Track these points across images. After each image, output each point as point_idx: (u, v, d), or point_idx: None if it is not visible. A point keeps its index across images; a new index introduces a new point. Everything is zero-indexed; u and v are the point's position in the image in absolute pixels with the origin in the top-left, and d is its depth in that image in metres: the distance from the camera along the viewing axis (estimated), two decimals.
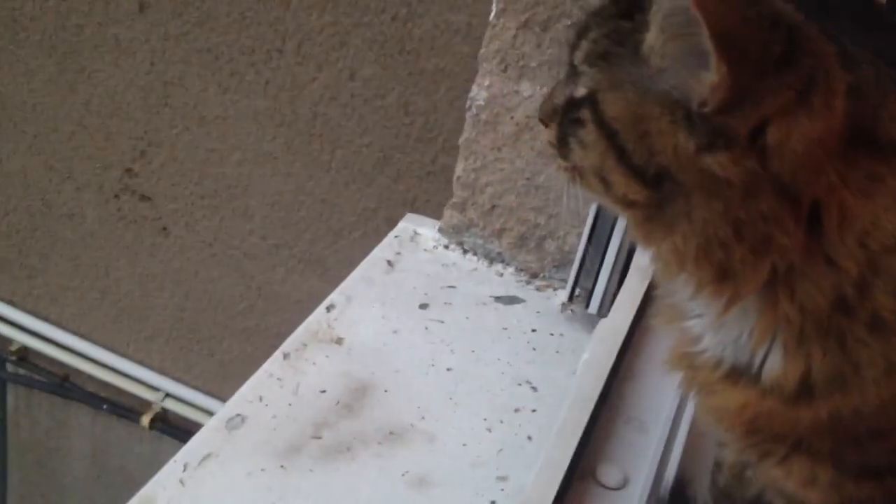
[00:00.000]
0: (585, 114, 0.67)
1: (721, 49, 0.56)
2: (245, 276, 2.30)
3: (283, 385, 1.16)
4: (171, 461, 1.05)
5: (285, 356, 1.19)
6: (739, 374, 0.72)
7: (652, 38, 0.61)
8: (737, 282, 0.65)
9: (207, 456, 1.05)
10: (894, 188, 0.61)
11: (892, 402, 0.65)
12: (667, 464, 0.97)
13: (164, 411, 2.49)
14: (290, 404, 1.13)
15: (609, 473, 0.95)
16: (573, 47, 0.71)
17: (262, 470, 1.04)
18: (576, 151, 0.69)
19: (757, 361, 0.70)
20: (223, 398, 2.41)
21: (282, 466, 1.05)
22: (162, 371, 2.49)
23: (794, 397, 0.68)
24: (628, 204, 0.68)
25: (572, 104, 0.69)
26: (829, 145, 0.59)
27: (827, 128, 0.59)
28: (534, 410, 1.16)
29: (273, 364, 1.18)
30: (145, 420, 2.47)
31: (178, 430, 2.48)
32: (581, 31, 0.70)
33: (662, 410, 1.04)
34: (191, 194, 2.26)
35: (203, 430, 1.10)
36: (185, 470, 1.03)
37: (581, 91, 0.68)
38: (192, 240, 2.31)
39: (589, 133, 0.67)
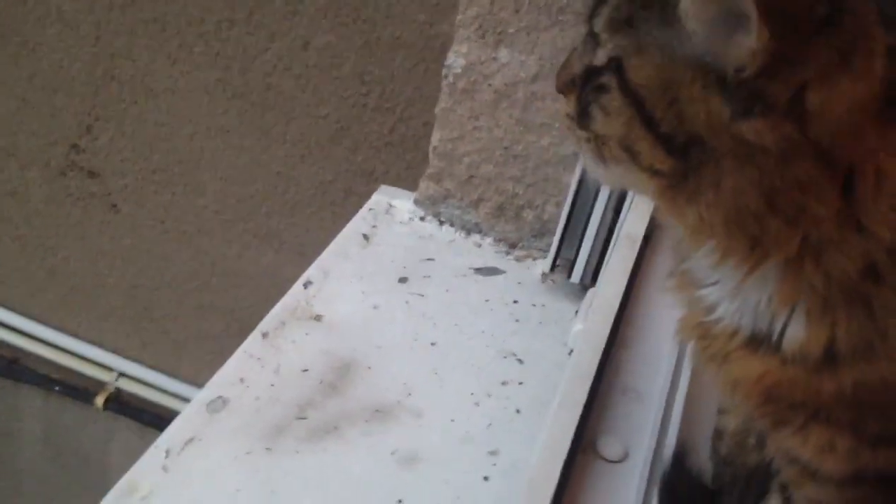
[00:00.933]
0: (610, 80, 0.64)
1: (764, 12, 0.53)
2: (199, 253, 2.25)
3: (264, 365, 1.12)
4: (153, 447, 1.01)
5: (264, 335, 1.16)
6: (759, 343, 0.70)
7: (686, 1, 0.59)
8: (765, 250, 0.63)
9: (190, 440, 1.01)
10: None
11: None
12: (666, 434, 0.96)
13: (119, 391, 2.43)
14: (272, 385, 1.10)
15: (610, 446, 0.93)
16: (592, 13, 0.67)
17: (248, 453, 1.01)
18: (598, 120, 0.67)
19: (777, 329, 0.68)
20: (179, 376, 2.38)
21: (267, 449, 1.02)
22: (115, 350, 2.43)
23: (818, 365, 0.66)
24: (653, 173, 0.65)
25: (593, 72, 0.66)
26: (870, 108, 0.57)
27: (868, 89, 0.57)
28: (521, 383, 1.14)
29: (252, 344, 1.14)
30: (99, 401, 2.42)
31: (133, 409, 2.43)
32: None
33: (658, 380, 1.02)
34: (140, 170, 2.20)
35: (183, 413, 1.06)
36: (167, 456, 0.99)
37: (603, 58, 0.65)
38: (143, 216, 2.25)
39: (613, 100, 0.64)
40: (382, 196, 1.43)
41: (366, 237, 1.35)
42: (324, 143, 2.01)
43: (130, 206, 2.25)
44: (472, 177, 1.32)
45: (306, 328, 1.18)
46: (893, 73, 0.58)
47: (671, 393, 1.00)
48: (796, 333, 0.66)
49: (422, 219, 1.39)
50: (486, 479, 1.02)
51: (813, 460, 0.73)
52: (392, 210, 1.41)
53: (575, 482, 0.90)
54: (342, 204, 2.07)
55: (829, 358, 0.65)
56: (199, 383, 2.42)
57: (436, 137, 1.32)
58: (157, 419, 2.35)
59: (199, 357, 2.37)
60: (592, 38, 0.67)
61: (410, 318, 1.22)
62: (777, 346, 0.68)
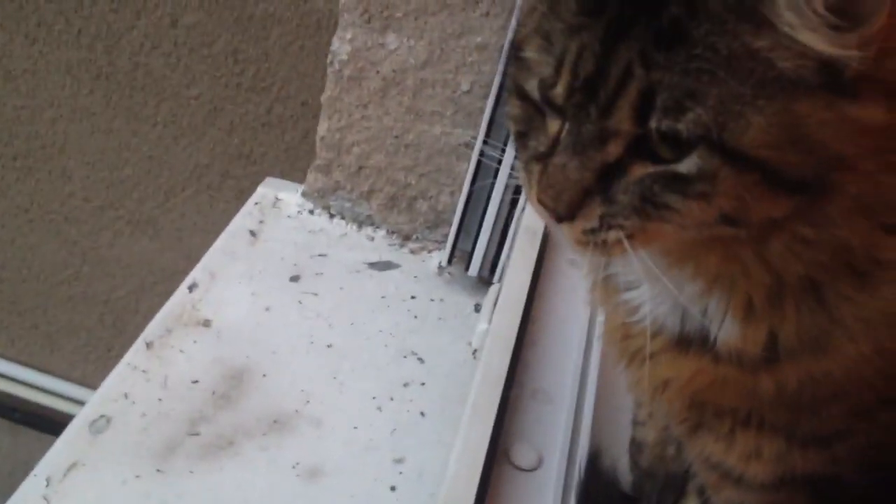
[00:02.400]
0: (706, 161, 0.54)
1: None
2: (67, 242, 2.14)
3: (150, 378, 1.05)
4: (31, 475, 0.94)
5: (148, 345, 1.08)
6: (689, 343, 0.67)
7: (803, 26, 0.52)
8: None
9: (73, 465, 0.95)
10: None
11: (865, 359, 0.62)
12: (578, 436, 0.93)
13: None
14: (159, 399, 1.03)
15: (524, 454, 0.91)
16: (585, 107, 0.57)
17: (137, 476, 0.95)
18: (690, 212, 0.57)
19: (712, 328, 0.65)
20: (52, 372, 2.27)
21: (158, 470, 0.96)
22: None
23: (755, 364, 0.64)
24: (761, 225, 0.58)
25: (616, 168, 0.58)
26: None
27: None
28: (423, 384, 1.11)
29: (135, 355, 1.07)
30: None
31: (3, 407, 2.31)
32: (593, 89, 0.57)
33: (567, 380, 1.00)
34: (0, 156, 2.07)
35: (64, 435, 0.98)
36: (48, 485, 0.92)
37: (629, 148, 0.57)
38: (6, 205, 2.12)
39: (721, 182, 0.55)
40: (268, 189, 1.36)
41: (253, 233, 1.28)
42: (197, 124, 1.92)
43: None
44: (361, 167, 1.27)
45: (194, 335, 1.11)
46: None
47: (581, 393, 0.98)
48: (732, 333, 0.64)
49: (311, 212, 1.33)
50: (392, 489, 0.98)
51: (737, 466, 0.72)
52: (279, 203, 1.35)
53: (492, 494, 0.87)
54: (219, 188, 1.99)
55: (770, 355, 0.63)
56: (73, 378, 2.32)
57: (322, 127, 1.26)
58: (30, 417, 2.24)
59: (73, 351, 2.26)
60: (599, 136, 0.57)
61: (305, 319, 1.16)
62: (710, 346, 0.66)
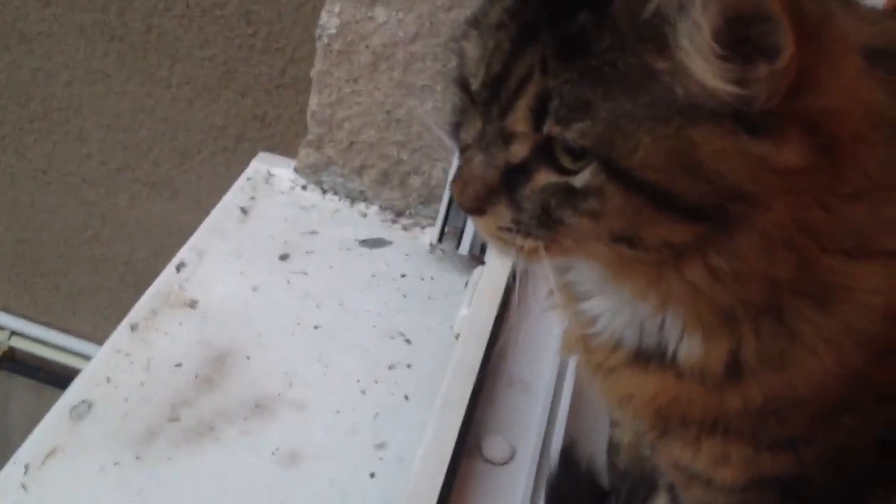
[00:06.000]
0: (594, 179, 0.53)
1: (791, 27, 0.47)
2: (86, 204, 2.14)
3: (133, 361, 1.05)
4: (10, 462, 0.94)
5: (133, 328, 1.08)
6: (648, 358, 0.66)
7: (695, 54, 0.50)
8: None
9: (52, 452, 0.95)
10: None
11: (829, 373, 0.60)
12: (553, 429, 0.92)
13: (12, 350, 2.34)
14: (142, 383, 1.03)
15: (496, 447, 0.89)
16: (488, 106, 0.57)
17: (116, 463, 0.95)
18: (579, 226, 0.56)
19: (670, 344, 0.64)
20: (74, 332, 2.29)
21: (137, 457, 0.96)
22: (5, 308, 2.33)
23: (720, 380, 0.62)
24: (658, 249, 0.56)
25: (520, 169, 0.57)
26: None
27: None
28: (409, 366, 1.10)
29: (120, 338, 1.07)
30: None
31: (28, 367, 2.34)
32: (496, 88, 0.56)
33: (546, 369, 0.98)
34: (18, 119, 2.07)
35: (44, 421, 0.99)
36: (26, 472, 0.93)
37: (532, 151, 0.56)
38: (24, 167, 2.13)
39: (609, 199, 0.53)
40: (261, 164, 1.35)
41: (244, 210, 1.27)
42: (211, 86, 1.91)
43: (9, 157, 2.12)
44: (353, 143, 1.25)
45: (180, 316, 1.11)
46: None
47: (559, 382, 0.96)
48: (693, 350, 0.62)
49: (303, 188, 1.31)
50: (372, 475, 0.98)
51: (706, 471, 0.70)
52: (272, 179, 1.33)
53: (459, 489, 0.87)
54: (234, 150, 1.98)
55: (733, 372, 0.61)
56: (95, 339, 2.34)
57: (313, 102, 1.24)
58: (53, 377, 2.27)
59: (95, 311, 2.28)
60: (501, 135, 0.57)
61: (292, 299, 1.15)
62: (671, 362, 0.64)
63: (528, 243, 0.58)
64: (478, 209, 0.59)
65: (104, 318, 2.34)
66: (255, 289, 1.16)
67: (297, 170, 1.31)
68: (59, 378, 2.29)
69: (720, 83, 0.49)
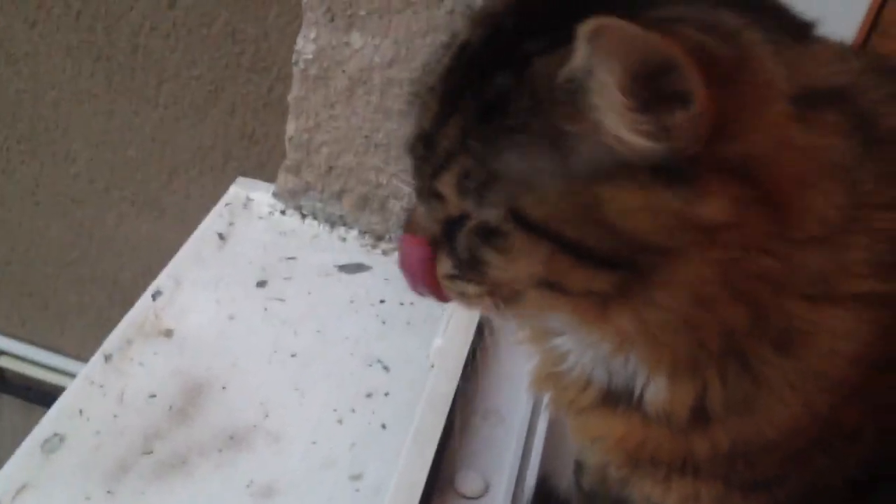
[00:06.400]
0: (504, 225, 0.54)
1: (700, 73, 0.47)
2: (74, 224, 2.14)
3: (106, 393, 1.04)
4: None
5: (107, 358, 1.07)
6: (617, 400, 0.66)
7: (608, 111, 0.49)
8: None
9: (22, 488, 0.94)
10: None
11: (796, 416, 0.60)
12: (528, 462, 0.91)
13: (1, 370, 2.33)
14: (115, 416, 1.02)
15: (469, 481, 0.88)
16: (420, 170, 0.59)
17: (87, 499, 0.94)
18: (499, 267, 0.57)
19: (637, 387, 0.63)
20: (63, 352, 2.28)
21: (109, 492, 0.95)
22: None
23: (686, 425, 0.61)
24: (586, 296, 0.56)
25: (456, 221, 0.58)
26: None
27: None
28: (386, 394, 1.08)
29: (93, 369, 1.06)
30: None
31: (17, 388, 2.34)
32: (429, 150, 0.57)
33: (521, 399, 0.97)
34: (5, 139, 2.07)
35: (15, 456, 0.97)
36: None
37: (468, 208, 0.56)
38: (12, 188, 2.13)
39: (517, 242, 0.55)
40: (240, 188, 1.34)
41: (221, 236, 1.26)
42: (199, 105, 1.90)
43: None
44: (332, 167, 1.24)
45: (155, 346, 1.10)
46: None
47: (534, 415, 0.94)
48: (658, 394, 0.62)
49: (282, 212, 1.30)
50: None
51: None
52: (250, 204, 1.32)
53: None
54: (222, 169, 1.97)
55: (700, 416, 0.61)
56: (83, 358, 2.33)
57: (291, 127, 1.23)
58: (42, 396, 2.26)
59: (83, 330, 2.28)
60: (435, 194, 0.58)
61: (269, 327, 1.14)
62: (638, 405, 0.64)
63: (471, 289, 0.60)
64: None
65: (92, 337, 2.32)
66: (231, 317, 1.15)
67: (275, 194, 1.30)
68: (48, 397, 2.28)
69: (637, 137, 0.49)
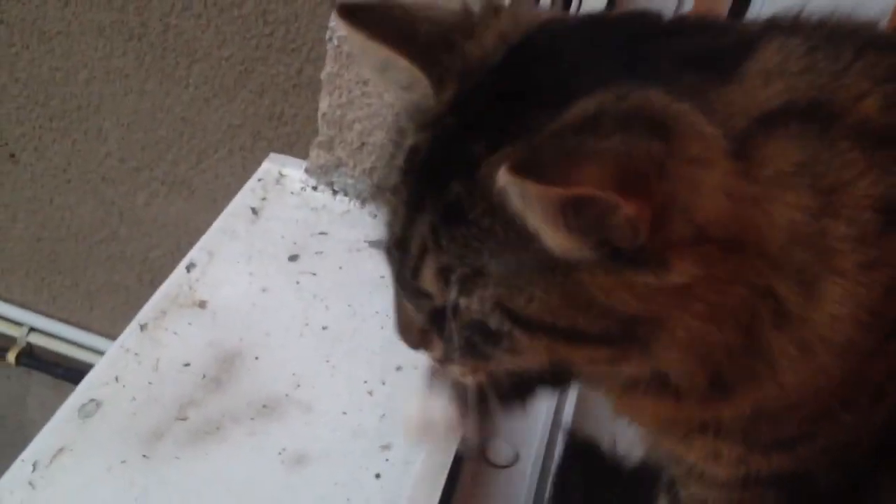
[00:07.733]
0: (500, 325, 0.57)
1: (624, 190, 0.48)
2: (104, 202, 2.16)
3: (142, 361, 1.05)
4: (19, 460, 0.95)
5: (142, 327, 1.09)
6: (644, 383, 0.67)
7: (546, 233, 0.51)
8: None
9: (60, 451, 0.95)
10: None
11: (807, 380, 0.61)
12: (558, 431, 0.92)
13: (30, 346, 2.36)
14: (150, 383, 1.03)
15: (499, 451, 0.89)
16: (402, 271, 0.62)
17: (123, 462, 0.95)
18: (505, 360, 0.60)
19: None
20: (92, 329, 2.31)
21: (144, 456, 0.96)
22: (24, 305, 2.35)
23: (709, 396, 0.63)
24: (593, 363, 0.61)
25: (441, 311, 0.60)
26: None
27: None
28: (416, 367, 1.09)
29: (129, 337, 1.08)
30: (11, 356, 2.33)
31: (46, 364, 2.36)
32: (404, 252, 0.60)
33: None
34: (37, 117, 2.09)
35: (53, 420, 0.99)
36: (34, 470, 0.93)
37: (470, 312, 0.58)
38: (44, 166, 2.15)
39: (518, 341, 0.57)
40: (273, 164, 1.35)
41: (254, 211, 1.27)
42: (229, 85, 1.92)
43: (29, 155, 2.14)
44: (364, 144, 1.25)
45: (189, 317, 1.11)
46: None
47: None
48: (679, 377, 0.64)
49: (314, 188, 1.31)
50: (377, 476, 0.98)
51: (698, 464, 0.72)
52: (283, 180, 1.33)
53: (462, 490, 0.86)
54: (251, 149, 1.99)
55: (719, 387, 0.62)
56: (112, 335, 2.35)
57: (324, 104, 1.24)
58: (71, 373, 2.28)
59: (112, 308, 2.30)
60: (418, 291, 0.61)
61: (301, 300, 1.16)
62: (665, 385, 0.65)
63: (454, 370, 0.66)
64: (418, 347, 0.67)
65: (121, 315, 2.35)
66: (264, 290, 1.16)
67: (307, 171, 1.31)
68: (77, 374, 2.30)
69: (580, 251, 0.51)
